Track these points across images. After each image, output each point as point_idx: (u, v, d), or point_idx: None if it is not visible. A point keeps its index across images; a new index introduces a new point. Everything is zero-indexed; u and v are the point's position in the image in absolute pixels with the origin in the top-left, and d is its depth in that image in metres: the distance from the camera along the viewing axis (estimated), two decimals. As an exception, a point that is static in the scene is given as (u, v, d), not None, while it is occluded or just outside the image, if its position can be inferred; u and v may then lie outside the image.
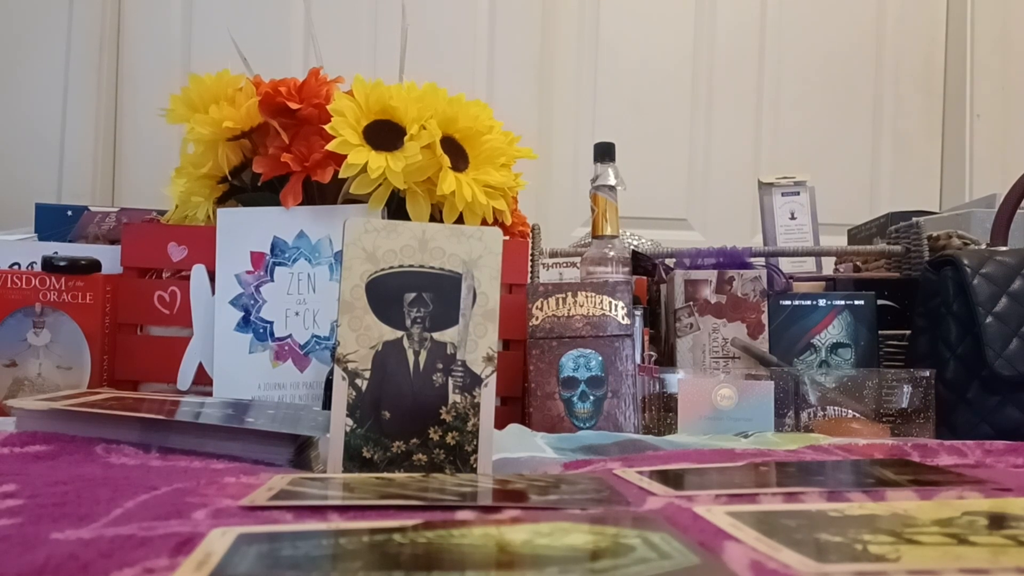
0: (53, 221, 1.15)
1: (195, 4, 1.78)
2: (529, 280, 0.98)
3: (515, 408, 0.88)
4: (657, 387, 0.82)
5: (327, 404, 0.60)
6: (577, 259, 1.09)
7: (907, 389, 0.80)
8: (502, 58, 1.85)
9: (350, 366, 0.56)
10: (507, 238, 0.93)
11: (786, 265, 1.11)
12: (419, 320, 0.57)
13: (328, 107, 0.84)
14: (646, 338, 0.90)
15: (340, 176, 0.83)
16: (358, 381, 0.56)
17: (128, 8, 1.78)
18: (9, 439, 0.57)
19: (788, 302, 0.94)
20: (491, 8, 1.85)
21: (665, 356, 0.97)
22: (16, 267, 0.89)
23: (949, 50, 1.99)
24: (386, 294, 0.57)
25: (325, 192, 0.89)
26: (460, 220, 0.85)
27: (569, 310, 0.83)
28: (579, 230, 1.80)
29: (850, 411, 0.80)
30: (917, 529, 0.37)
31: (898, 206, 1.44)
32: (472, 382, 0.57)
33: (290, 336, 0.85)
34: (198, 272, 0.86)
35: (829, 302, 0.94)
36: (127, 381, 0.87)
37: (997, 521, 0.40)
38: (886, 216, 1.31)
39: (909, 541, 0.35)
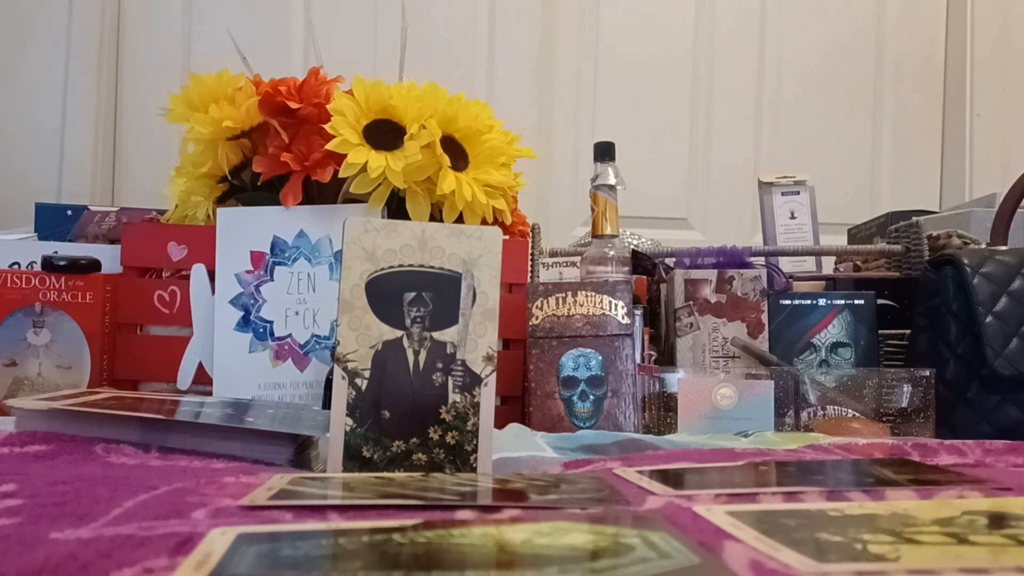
0: (53, 220, 1.15)
1: (195, 4, 1.78)
2: (529, 279, 0.98)
3: (515, 407, 0.88)
4: (657, 386, 0.82)
5: (327, 404, 0.60)
6: (577, 259, 1.09)
7: (907, 388, 0.80)
8: (502, 58, 1.85)
9: (350, 365, 0.56)
10: (507, 237, 0.93)
11: (786, 264, 1.11)
12: (419, 319, 0.57)
13: (328, 106, 0.84)
14: (646, 337, 0.90)
15: (340, 176, 0.83)
16: (358, 380, 0.56)
17: (128, 8, 1.78)
18: (9, 439, 0.57)
19: (788, 301, 0.94)
20: (491, 8, 1.85)
21: (665, 355, 0.97)
22: (16, 267, 0.89)
23: (949, 50, 1.99)
24: (386, 293, 0.57)
25: (325, 191, 0.89)
26: (460, 219, 0.85)
27: (569, 309, 0.83)
28: (579, 229, 1.80)
29: (850, 410, 0.80)
30: (917, 528, 0.37)
31: (898, 205, 1.44)
32: (472, 381, 0.57)
33: (290, 335, 0.85)
34: (198, 272, 0.86)
35: (829, 301, 0.93)
36: (127, 381, 0.87)
37: (997, 520, 0.40)
38: (886, 215, 1.31)
39: (909, 540, 0.35)
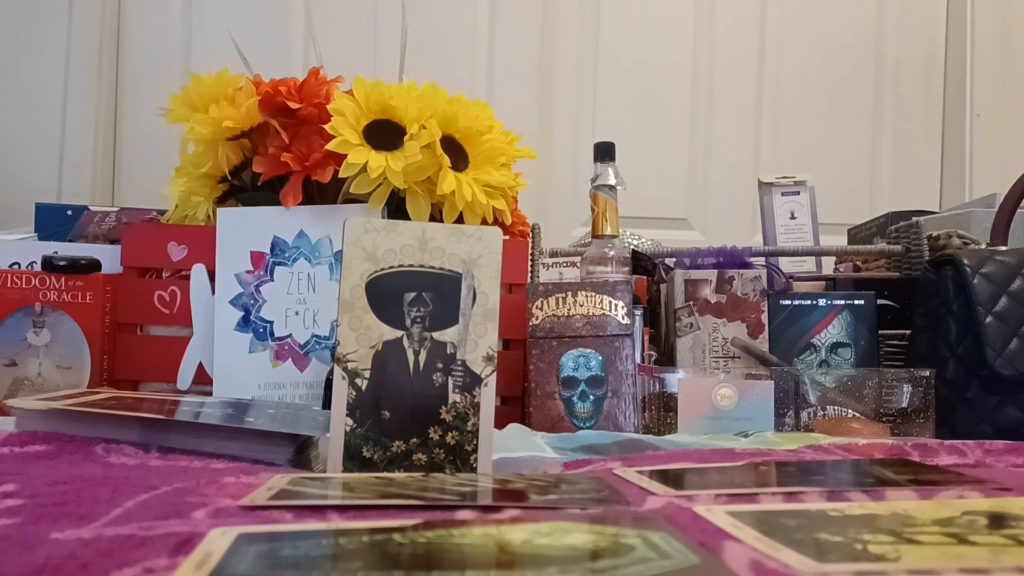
0: (53, 221, 1.15)
1: (195, 4, 1.78)
2: (529, 280, 0.98)
3: (515, 408, 0.88)
4: (657, 387, 0.82)
5: (327, 404, 0.60)
6: (577, 259, 1.09)
7: (907, 389, 0.80)
8: (502, 58, 1.85)
9: (350, 366, 0.56)
10: (507, 238, 0.93)
11: (786, 265, 1.11)
12: (419, 320, 0.57)
13: (328, 107, 0.84)
14: (646, 338, 0.90)
15: (340, 176, 0.83)
16: (358, 381, 0.56)
17: (128, 8, 1.78)
18: (9, 439, 0.57)
19: (788, 302, 0.94)
20: (491, 8, 1.85)
21: (665, 356, 0.97)
22: (16, 267, 0.89)
23: (949, 50, 1.99)
24: (386, 294, 0.57)
25: (325, 192, 0.89)
26: (460, 220, 0.85)
27: (569, 310, 0.83)
28: (579, 230, 1.80)
29: (850, 411, 0.80)
30: (917, 529, 0.37)
31: (898, 206, 1.44)
32: (472, 382, 0.57)
33: (290, 336, 0.85)
34: (198, 272, 0.86)
35: (829, 302, 0.93)
36: (127, 381, 0.87)
37: (997, 521, 0.40)
38: (886, 216, 1.31)
39: (909, 541, 0.35)
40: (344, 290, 0.57)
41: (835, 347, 0.93)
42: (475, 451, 0.56)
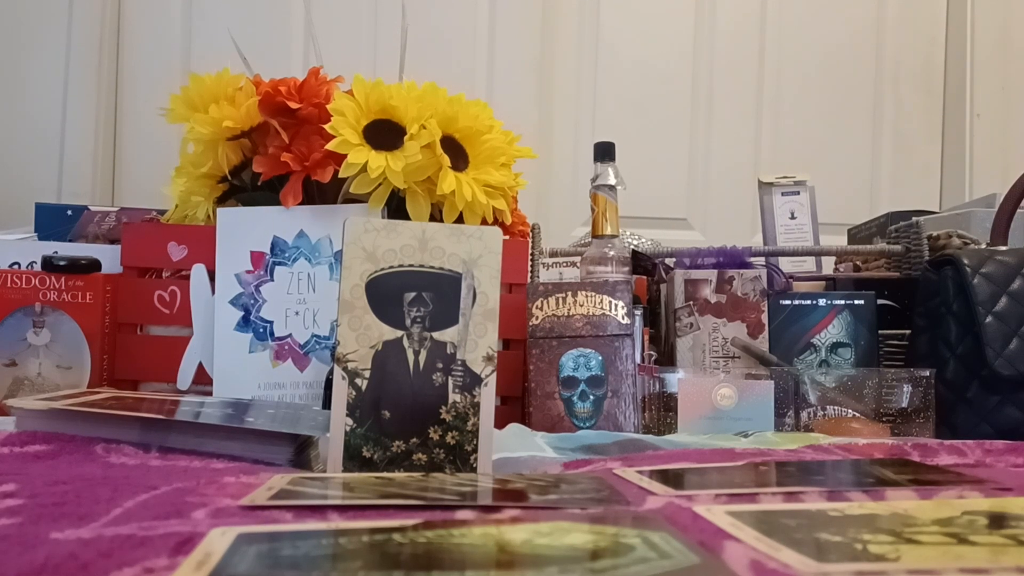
0: (53, 220, 1.15)
1: (195, 4, 1.78)
2: (529, 280, 0.98)
3: (515, 408, 0.88)
4: (657, 387, 0.82)
5: (327, 404, 0.60)
6: (577, 259, 1.09)
7: (907, 389, 0.80)
8: (502, 58, 1.85)
9: (350, 366, 0.56)
10: (507, 238, 0.93)
11: (786, 265, 1.11)
12: (419, 320, 0.57)
13: (328, 106, 0.84)
14: (646, 338, 0.90)
15: (340, 176, 0.83)
16: (358, 381, 0.56)
17: (128, 8, 1.78)
18: (9, 439, 0.57)
19: (788, 302, 0.94)
20: (491, 8, 1.85)
21: (665, 356, 0.97)
22: (16, 267, 0.89)
23: (949, 50, 1.99)
24: (386, 294, 0.57)
25: (325, 192, 0.89)
26: (460, 219, 0.85)
27: (569, 310, 0.83)
28: (579, 230, 1.80)
29: (850, 411, 0.80)
30: (917, 529, 0.37)
31: (898, 206, 1.44)
32: (472, 382, 0.57)
33: (290, 336, 0.85)
34: (198, 272, 0.86)
35: (829, 302, 0.93)
36: (127, 381, 0.87)
37: (997, 521, 0.40)
38: (886, 216, 1.31)
39: (909, 541, 0.35)
40: (344, 290, 0.57)
41: (835, 347, 0.93)
42: (475, 451, 0.56)
